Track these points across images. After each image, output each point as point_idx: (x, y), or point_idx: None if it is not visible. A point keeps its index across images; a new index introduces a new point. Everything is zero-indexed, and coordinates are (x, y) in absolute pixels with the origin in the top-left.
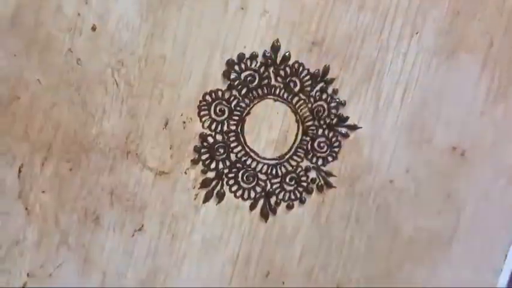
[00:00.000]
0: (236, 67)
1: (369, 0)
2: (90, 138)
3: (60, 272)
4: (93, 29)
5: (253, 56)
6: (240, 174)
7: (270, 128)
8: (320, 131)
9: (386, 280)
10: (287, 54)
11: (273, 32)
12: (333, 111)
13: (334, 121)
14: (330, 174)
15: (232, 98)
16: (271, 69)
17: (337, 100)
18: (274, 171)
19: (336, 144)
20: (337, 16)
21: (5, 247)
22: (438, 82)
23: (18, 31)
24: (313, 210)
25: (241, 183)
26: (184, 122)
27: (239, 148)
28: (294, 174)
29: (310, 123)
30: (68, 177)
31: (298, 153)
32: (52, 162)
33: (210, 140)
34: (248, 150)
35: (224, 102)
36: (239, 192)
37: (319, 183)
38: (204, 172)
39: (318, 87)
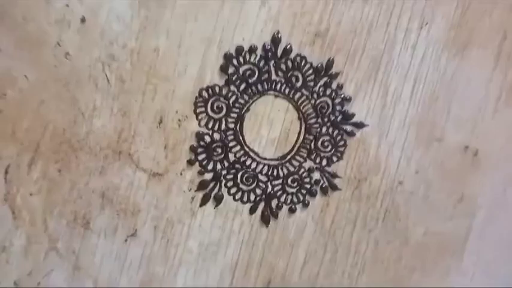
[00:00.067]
0: (234, 61)
1: None
2: (80, 138)
3: (49, 280)
4: (83, 20)
5: (253, 49)
6: (239, 176)
7: (271, 126)
8: (324, 129)
9: None
10: (288, 47)
11: (274, 23)
12: (338, 107)
13: (339, 118)
14: (334, 175)
15: (230, 94)
16: (271, 63)
17: (342, 96)
18: (275, 173)
19: (341, 143)
20: (342, 6)
21: None
22: (449, 77)
23: (4, 25)
24: (317, 214)
25: (241, 185)
26: (179, 120)
27: (238, 148)
28: (296, 176)
29: (313, 120)
30: (57, 179)
31: (301, 153)
32: (40, 163)
33: (207, 139)
34: (247, 149)
35: (222, 99)
36: (238, 195)
37: (323, 185)
38: (200, 173)
39: (321, 82)
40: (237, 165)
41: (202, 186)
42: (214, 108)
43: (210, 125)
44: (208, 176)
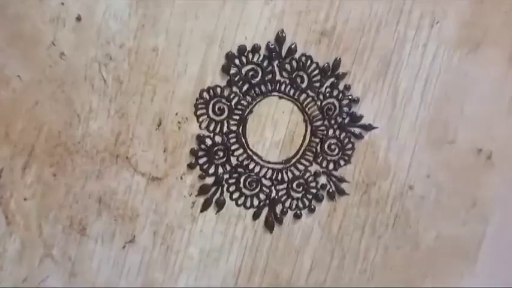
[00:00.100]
0: (236, 61)
1: None
2: (76, 140)
3: (44, 287)
4: (78, 19)
5: (256, 49)
6: (241, 180)
7: (275, 128)
8: (331, 132)
9: None
10: (293, 46)
11: (278, 21)
12: (345, 109)
13: (347, 120)
14: (342, 179)
15: (232, 95)
16: (275, 63)
17: (350, 97)
18: (279, 177)
19: (349, 146)
20: (349, 3)
21: None
22: (461, 77)
23: None
24: (324, 219)
25: (243, 190)
26: (179, 122)
27: (240, 151)
28: (301, 180)
29: (319, 122)
30: (52, 183)
31: (307, 157)
32: (34, 167)
33: (208, 142)
34: (250, 153)
35: (223, 100)
36: (241, 200)
37: (330, 190)
38: (201, 178)
39: (327, 83)
40: (240, 169)
41: (204, 191)
42: (216, 110)
43: (211, 128)
44: (209, 180)
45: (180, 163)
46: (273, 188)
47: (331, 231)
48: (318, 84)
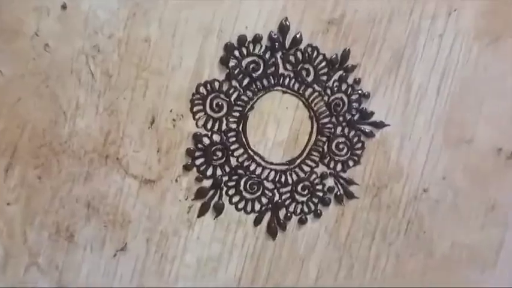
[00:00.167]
0: (236, 52)
1: None
2: (62, 140)
3: None
4: (63, 7)
5: (257, 39)
6: (242, 183)
7: (278, 126)
8: (339, 130)
9: None
10: (298, 36)
11: (281, 9)
12: (355, 105)
13: (356, 117)
14: (350, 181)
15: (231, 90)
16: (278, 55)
17: (360, 92)
18: (283, 179)
19: (358, 145)
20: None
21: None
22: (480, 71)
23: None
24: (331, 225)
25: (244, 193)
26: (174, 120)
27: (241, 151)
28: (307, 182)
29: (326, 119)
30: (37, 186)
31: (312, 157)
32: (18, 169)
33: (206, 141)
34: (251, 153)
35: (222, 96)
36: (241, 204)
37: (338, 193)
38: (198, 180)
39: (335, 77)
40: (240, 171)
41: (201, 195)
42: (214, 106)
43: (208, 126)
44: (207, 183)
45: (175, 164)
46: (275, 191)
47: (339, 238)
48: (325, 78)
